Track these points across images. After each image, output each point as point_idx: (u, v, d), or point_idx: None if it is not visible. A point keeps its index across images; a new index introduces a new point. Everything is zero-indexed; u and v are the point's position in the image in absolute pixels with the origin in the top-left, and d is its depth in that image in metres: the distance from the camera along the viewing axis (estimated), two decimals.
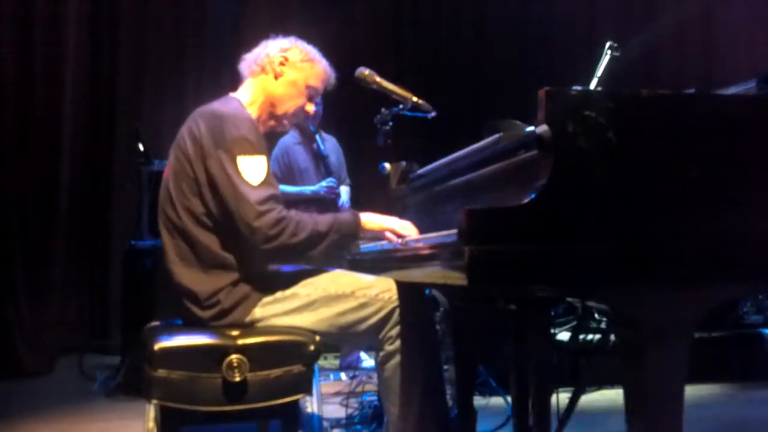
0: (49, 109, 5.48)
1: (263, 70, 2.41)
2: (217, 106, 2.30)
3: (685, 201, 1.61)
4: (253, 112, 2.37)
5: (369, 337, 2.25)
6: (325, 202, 4.57)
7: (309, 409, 2.71)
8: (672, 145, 1.61)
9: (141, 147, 4.20)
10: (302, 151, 4.76)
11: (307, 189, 4.62)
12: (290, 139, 4.76)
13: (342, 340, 2.25)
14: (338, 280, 2.26)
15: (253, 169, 2.16)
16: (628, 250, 1.57)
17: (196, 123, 2.24)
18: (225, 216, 2.17)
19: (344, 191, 4.74)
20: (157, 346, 1.98)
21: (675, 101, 1.66)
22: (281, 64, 2.40)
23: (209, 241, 2.19)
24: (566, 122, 1.55)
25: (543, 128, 1.58)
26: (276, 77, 2.40)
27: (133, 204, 4.69)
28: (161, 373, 1.97)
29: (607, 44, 3.55)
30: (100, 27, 5.85)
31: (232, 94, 2.42)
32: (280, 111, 2.42)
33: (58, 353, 5.25)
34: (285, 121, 2.47)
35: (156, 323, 2.25)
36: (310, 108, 2.49)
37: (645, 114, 1.62)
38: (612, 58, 3.51)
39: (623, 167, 1.58)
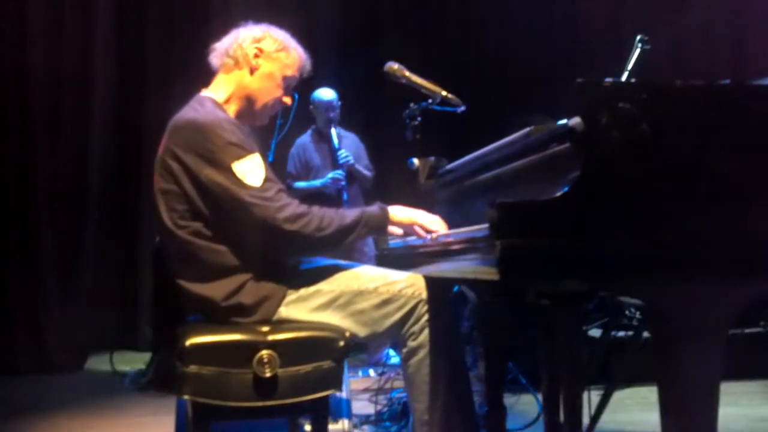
0: (77, 111, 5.52)
1: (237, 64, 2.30)
2: (192, 114, 2.18)
3: (719, 195, 1.58)
4: (230, 110, 2.28)
5: (392, 332, 2.23)
6: (330, 197, 4.65)
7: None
8: (707, 138, 1.59)
9: None
10: (318, 149, 4.91)
11: (316, 182, 4.76)
12: (306, 137, 4.96)
13: (366, 336, 2.23)
14: (361, 276, 2.24)
15: (250, 170, 2.09)
16: (662, 245, 1.55)
17: (175, 140, 2.15)
18: (229, 225, 2.11)
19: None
20: (188, 342, 1.99)
21: (710, 92, 1.63)
22: (256, 56, 2.29)
23: (214, 250, 2.13)
24: (599, 114, 1.53)
25: (576, 120, 1.57)
26: (251, 71, 2.29)
27: None
28: (192, 368, 1.97)
29: (638, 37, 3.51)
30: (128, 24, 5.89)
31: (204, 92, 2.31)
32: (258, 106, 2.32)
33: (89, 350, 5.32)
34: (263, 115, 2.37)
35: (188, 320, 2.25)
36: (288, 99, 2.40)
37: (679, 105, 1.59)
38: (642, 52, 3.48)
39: (658, 160, 1.55)
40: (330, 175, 4.70)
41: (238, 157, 2.09)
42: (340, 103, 4.84)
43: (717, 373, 1.64)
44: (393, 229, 2.29)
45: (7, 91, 5.23)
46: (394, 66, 2.61)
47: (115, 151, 5.84)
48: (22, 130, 5.23)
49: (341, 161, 4.68)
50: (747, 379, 3.98)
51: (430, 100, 2.61)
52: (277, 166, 4.37)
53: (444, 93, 2.58)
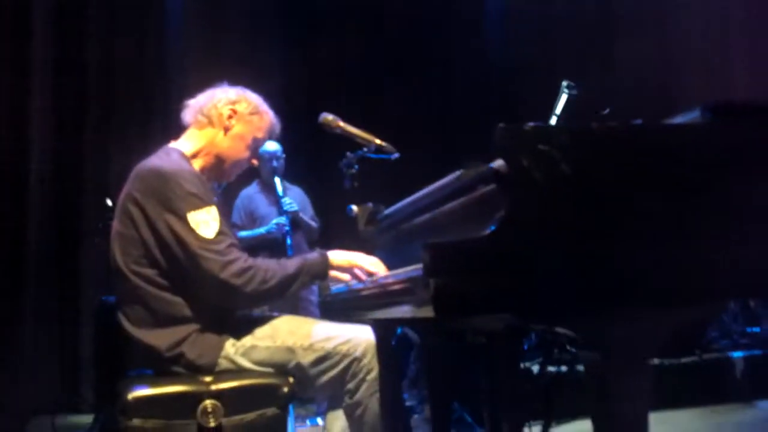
0: (13, 166, 5.44)
1: (210, 122, 2.36)
2: (157, 162, 2.24)
3: (640, 229, 1.66)
4: (196, 164, 2.33)
5: (329, 388, 2.25)
6: (276, 243, 4.68)
7: None
8: (624, 175, 1.68)
9: (109, 202, 4.20)
10: (263, 199, 4.98)
11: (260, 230, 4.80)
12: (251, 189, 5.04)
13: (304, 392, 2.25)
14: (298, 332, 2.25)
15: (205, 222, 2.14)
16: (588, 278, 1.61)
17: (136, 185, 2.20)
18: (180, 274, 2.15)
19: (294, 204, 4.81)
20: (130, 396, 1.99)
21: (623, 132, 1.73)
22: (230, 117, 2.36)
23: (164, 299, 2.16)
24: (521, 156, 1.62)
25: (499, 162, 1.65)
26: (224, 131, 2.36)
27: (103, 260, 4.67)
28: (136, 422, 1.97)
29: (564, 83, 3.68)
30: (66, 74, 5.82)
31: (172, 144, 2.37)
32: (227, 165, 2.39)
33: (30, 414, 5.16)
34: (230, 174, 2.44)
35: (130, 374, 2.25)
36: (254, 160, 2.48)
37: (596, 146, 1.69)
38: (570, 96, 3.64)
39: (578, 198, 1.63)
40: (274, 221, 4.74)
41: (195, 208, 2.14)
42: (283, 154, 4.91)
43: (647, 401, 1.70)
44: (335, 274, 2.34)
45: None
46: (328, 117, 2.67)
47: (52, 208, 5.77)
48: None
49: (285, 208, 4.72)
50: (685, 407, 4.09)
51: (365, 149, 2.67)
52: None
53: (378, 141, 2.63)
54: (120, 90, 5.96)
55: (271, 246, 4.66)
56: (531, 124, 1.69)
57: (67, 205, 5.83)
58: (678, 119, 1.86)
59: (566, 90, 3.65)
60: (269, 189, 4.91)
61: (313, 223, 5.00)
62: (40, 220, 5.59)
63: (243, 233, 4.84)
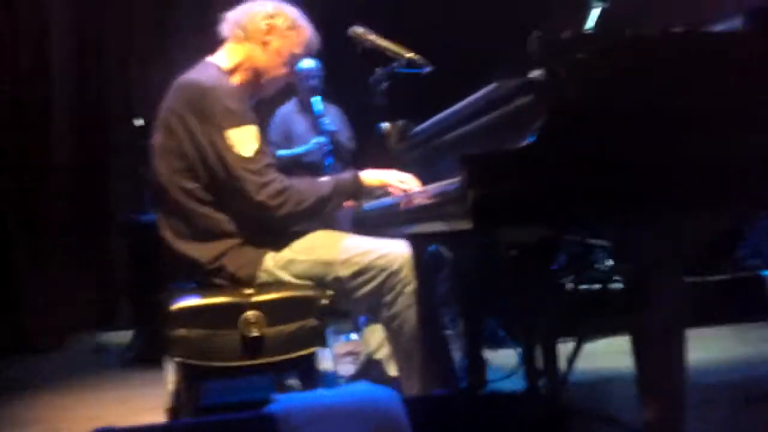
0: (36, 88, 5.48)
1: (247, 37, 2.34)
2: (196, 76, 2.25)
3: (674, 134, 1.66)
4: (235, 79, 2.32)
5: (367, 302, 2.29)
6: (313, 164, 4.66)
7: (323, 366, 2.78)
8: (662, 84, 1.67)
9: (138, 122, 4.24)
10: (300, 119, 4.91)
11: (299, 149, 4.76)
12: (289, 107, 4.95)
13: (342, 305, 2.30)
14: (335, 245, 2.28)
15: (244, 140, 2.15)
16: (624, 183, 1.62)
17: (177, 98, 2.21)
18: (220, 189, 2.18)
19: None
20: (175, 307, 2.05)
21: (661, 41, 1.71)
22: (267, 32, 2.34)
23: (205, 213, 2.20)
24: (558, 65, 1.61)
25: (536, 73, 1.64)
26: (261, 46, 2.34)
27: (134, 179, 4.75)
28: (181, 332, 2.04)
29: None
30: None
31: (209, 59, 2.36)
32: (264, 80, 2.38)
33: (70, 330, 5.33)
34: (267, 90, 2.43)
35: (172, 287, 2.31)
36: (292, 75, 2.47)
37: (635, 54, 1.67)
38: (599, 8, 3.55)
39: (616, 106, 1.63)
40: (314, 140, 4.69)
41: (234, 125, 2.15)
42: (321, 71, 4.82)
43: (683, 310, 1.72)
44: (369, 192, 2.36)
45: None
46: (358, 30, 2.60)
47: (80, 127, 5.81)
48: None
49: (324, 128, 4.67)
50: (718, 324, 4.12)
51: (396, 63, 2.62)
52: None
53: (409, 55, 2.57)
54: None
55: (307, 166, 4.65)
56: (569, 32, 1.67)
57: (93, 126, 5.88)
58: (719, 27, 1.82)
59: (595, 3, 3.56)
60: (306, 108, 4.83)
61: (350, 145, 4.94)
62: (69, 139, 5.67)
63: (281, 152, 4.82)
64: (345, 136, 4.94)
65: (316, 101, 4.71)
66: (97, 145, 5.85)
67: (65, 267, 5.49)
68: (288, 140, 4.89)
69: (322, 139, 4.67)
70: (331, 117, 4.83)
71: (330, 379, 2.94)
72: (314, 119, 4.73)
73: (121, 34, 5.88)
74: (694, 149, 1.64)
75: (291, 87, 4.81)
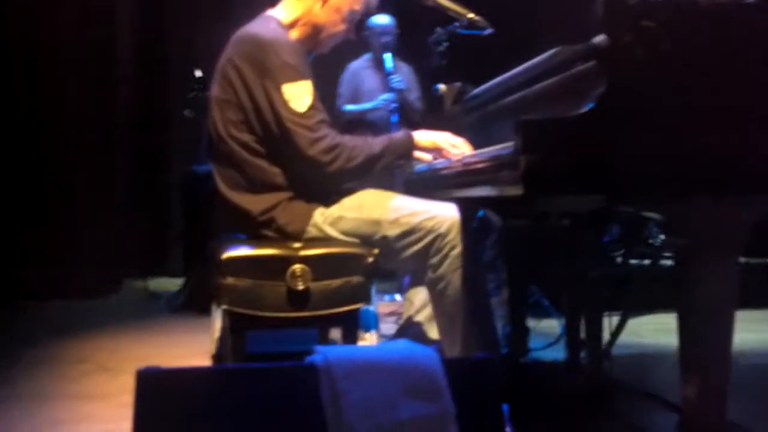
0: (102, 39, 5.57)
1: None
2: (255, 29, 2.26)
3: (742, 114, 1.61)
4: (293, 34, 2.33)
5: (413, 262, 2.28)
6: (379, 120, 4.66)
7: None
8: (731, 56, 1.62)
9: (199, 73, 4.28)
10: (370, 74, 4.90)
11: (366, 105, 4.76)
12: (361, 62, 4.96)
13: (388, 264, 2.30)
14: (384, 206, 2.27)
15: (298, 95, 2.16)
16: (685, 160, 1.59)
17: (236, 50, 2.22)
18: (274, 142, 2.19)
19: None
20: (225, 255, 2.08)
21: (732, 9, 1.65)
22: None
23: (258, 165, 2.21)
24: (624, 32, 1.57)
25: (600, 38, 1.60)
26: (321, 2, 2.33)
27: (191, 130, 4.81)
28: (230, 280, 2.07)
29: None
30: None
31: (270, 12, 2.36)
32: (322, 36, 2.37)
33: (123, 275, 5.48)
34: (325, 45, 2.42)
35: (222, 237, 2.34)
36: (350, 32, 2.44)
37: (703, 24, 1.62)
38: None
39: (680, 77, 1.59)
40: (381, 96, 4.67)
41: (291, 80, 2.16)
42: (395, 29, 4.79)
43: (734, 289, 1.69)
44: (420, 155, 2.35)
45: (38, 24, 5.28)
46: None
47: (141, 78, 5.91)
48: (49, 57, 5.31)
49: (392, 85, 4.64)
50: (761, 307, 4.05)
51: (456, 24, 2.60)
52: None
53: (471, 15, 2.55)
54: None
55: (372, 123, 4.66)
56: None
57: (154, 77, 5.96)
58: None
59: None
60: (378, 64, 4.82)
61: (418, 104, 4.90)
62: (130, 89, 5.78)
63: (348, 107, 4.84)
64: (414, 95, 4.90)
65: (388, 58, 4.67)
66: (157, 95, 5.95)
67: (121, 215, 5.62)
68: (357, 95, 4.90)
69: (389, 96, 4.64)
70: (403, 75, 4.79)
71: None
72: (384, 76, 4.70)
73: None
74: (759, 132, 1.59)
75: (365, 42, 4.82)
